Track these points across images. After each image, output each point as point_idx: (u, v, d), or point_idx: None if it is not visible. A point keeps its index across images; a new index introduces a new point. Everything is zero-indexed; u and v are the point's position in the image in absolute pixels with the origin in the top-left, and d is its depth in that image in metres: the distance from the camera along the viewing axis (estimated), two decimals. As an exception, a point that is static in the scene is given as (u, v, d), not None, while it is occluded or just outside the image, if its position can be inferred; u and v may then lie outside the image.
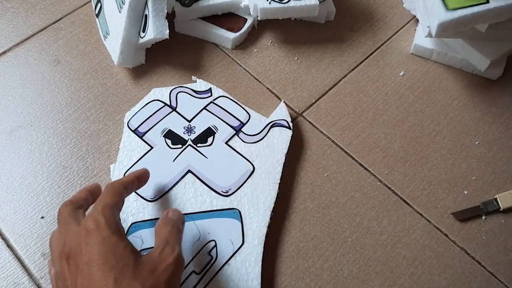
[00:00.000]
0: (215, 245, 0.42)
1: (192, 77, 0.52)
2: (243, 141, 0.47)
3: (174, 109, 0.48)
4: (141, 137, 0.47)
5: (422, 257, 0.43)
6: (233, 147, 0.47)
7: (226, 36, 0.54)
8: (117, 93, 0.52)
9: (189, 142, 0.47)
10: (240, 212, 0.43)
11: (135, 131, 0.47)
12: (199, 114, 0.49)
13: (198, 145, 0.47)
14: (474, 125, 0.50)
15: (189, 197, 0.44)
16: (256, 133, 0.48)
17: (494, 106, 0.52)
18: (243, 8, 0.55)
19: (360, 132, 0.50)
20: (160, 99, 0.49)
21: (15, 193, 0.46)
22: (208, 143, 0.47)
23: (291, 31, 0.57)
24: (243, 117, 0.49)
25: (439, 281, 0.42)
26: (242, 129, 0.48)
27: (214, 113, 0.49)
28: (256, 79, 0.53)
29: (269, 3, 0.51)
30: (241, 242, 0.42)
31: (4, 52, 0.55)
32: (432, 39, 0.54)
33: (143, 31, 0.51)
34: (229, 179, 0.45)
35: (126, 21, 0.50)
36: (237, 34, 0.54)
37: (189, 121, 0.48)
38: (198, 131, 0.47)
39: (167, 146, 0.46)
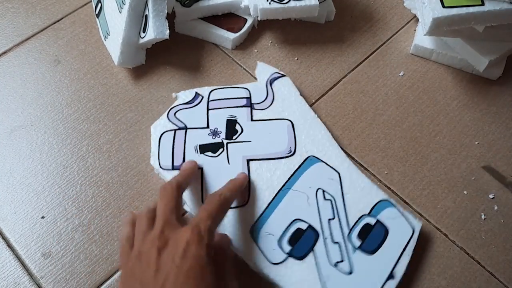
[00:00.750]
0: (323, 190, 0.44)
1: (172, 94, 0.51)
2: (261, 109, 0.49)
3: (185, 128, 0.48)
4: None
5: (421, 257, 0.43)
6: (260, 118, 0.48)
7: (226, 37, 0.54)
8: (117, 93, 0.52)
9: (225, 142, 0.47)
10: (315, 156, 0.46)
11: (174, 169, 0.45)
12: (209, 117, 0.48)
13: (233, 138, 0.47)
14: (474, 125, 0.50)
15: (269, 178, 0.45)
16: (264, 97, 0.50)
17: (494, 106, 0.52)
18: (243, 8, 0.55)
19: (360, 132, 0.50)
20: (167, 129, 0.48)
21: (15, 193, 0.46)
22: (239, 131, 0.47)
23: (291, 31, 0.57)
24: (243, 93, 0.50)
25: (438, 281, 0.42)
26: (252, 102, 0.49)
27: (219, 107, 0.49)
28: (256, 79, 0.53)
29: (269, 3, 0.51)
30: (337, 174, 0.45)
31: (4, 52, 0.55)
32: (432, 39, 0.54)
33: (143, 31, 0.51)
34: (282, 142, 0.47)
35: (127, 21, 0.50)
36: (237, 34, 0.54)
37: (207, 127, 0.48)
38: (222, 129, 0.47)
39: (212, 158, 0.46)
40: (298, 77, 0.54)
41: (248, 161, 0.46)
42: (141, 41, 0.51)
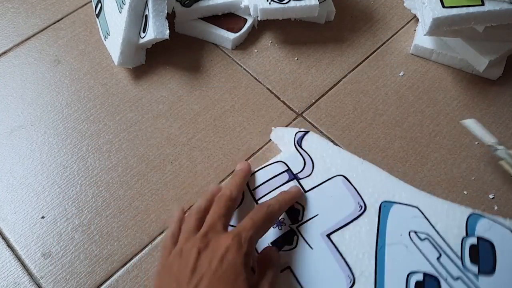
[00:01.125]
0: (415, 232, 0.42)
1: None
2: (308, 176, 0.45)
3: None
4: None
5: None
6: (312, 187, 0.44)
7: (226, 37, 0.54)
8: (117, 93, 0.52)
9: (294, 227, 0.42)
10: (386, 201, 0.43)
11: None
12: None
13: (299, 219, 0.43)
14: (474, 125, 0.50)
15: (358, 244, 0.41)
16: (302, 163, 0.46)
17: (494, 106, 0.52)
18: (243, 8, 0.55)
19: (360, 132, 0.50)
20: None
21: (15, 193, 0.46)
22: (300, 209, 0.43)
23: (291, 31, 0.57)
24: (281, 168, 0.46)
25: (438, 281, 0.42)
26: (294, 173, 0.45)
27: (266, 193, 0.44)
28: (256, 79, 0.53)
29: (269, 3, 0.51)
30: (416, 208, 0.43)
31: (4, 52, 0.55)
32: (432, 39, 0.54)
33: (143, 32, 0.51)
34: (348, 201, 0.43)
35: (127, 21, 0.50)
36: (237, 34, 0.54)
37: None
38: (282, 215, 0.43)
39: (292, 250, 0.41)
40: (298, 77, 0.54)
41: (328, 236, 0.42)
42: (141, 41, 0.51)
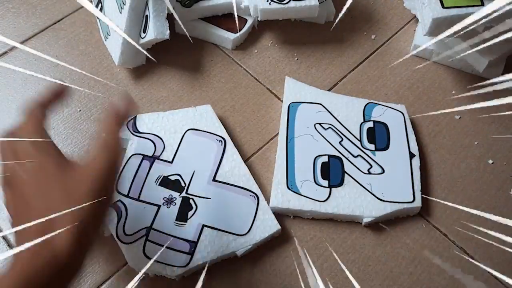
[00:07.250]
0: (319, 123, 0.48)
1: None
2: (162, 151, 0.46)
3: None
4: None
5: (421, 257, 0.43)
6: (173, 154, 0.46)
7: (226, 37, 0.54)
8: (118, 94, 0.52)
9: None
10: (294, 102, 0.50)
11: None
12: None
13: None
14: (474, 125, 0.50)
15: (237, 165, 0.46)
16: (152, 145, 0.47)
17: (493, 106, 0.52)
18: (243, 8, 0.55)
19: (360, 132, 0.50)
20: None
21: (16, 193, 0.46)
22: (184, 185, 0.45)
23: (291, 31, 0.57)
24: (137, 161, 0.46)
25: (438, 281, 0.42)
26: (149, 155, 0.46)
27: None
28: (256, 79, 0.54)
29: (269, 3, 0.51)
30: (319, 105, 0.50)
31: (5, 52, 0.55)
32: (431, 39, 0.54)
33: (144, 32, 0.51)
34: (207, 143, 0.47)
35: (127, 21, 0.50)
36: (237, 34, 0.55)
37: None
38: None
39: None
40: (298, 77, 0.54)
41: (214, 180, 0.45)
42: (142, 41, 0.51)
